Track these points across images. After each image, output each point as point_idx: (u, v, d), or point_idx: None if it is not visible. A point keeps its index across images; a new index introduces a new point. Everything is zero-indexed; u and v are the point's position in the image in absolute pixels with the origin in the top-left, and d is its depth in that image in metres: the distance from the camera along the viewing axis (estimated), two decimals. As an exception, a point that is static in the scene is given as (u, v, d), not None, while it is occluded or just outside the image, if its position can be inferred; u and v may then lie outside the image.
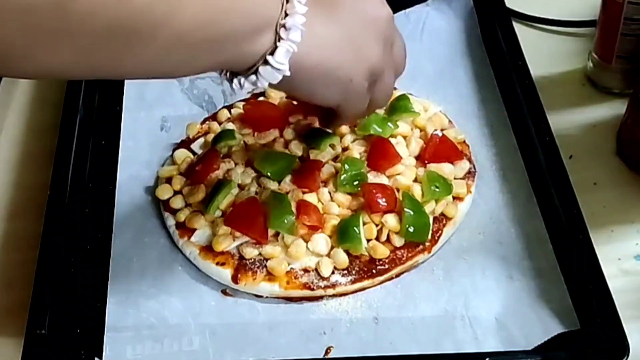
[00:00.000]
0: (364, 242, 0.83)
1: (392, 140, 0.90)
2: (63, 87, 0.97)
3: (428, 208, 0.85)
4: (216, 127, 0.94)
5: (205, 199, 0.86)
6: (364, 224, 0.83)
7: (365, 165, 0.88)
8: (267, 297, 0.82)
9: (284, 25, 0.65)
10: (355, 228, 0.83)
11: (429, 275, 0.84)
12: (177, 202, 0.87)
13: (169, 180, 0.90)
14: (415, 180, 0.88)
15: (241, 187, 0.88)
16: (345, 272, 0.83)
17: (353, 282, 0.82)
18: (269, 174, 0.88)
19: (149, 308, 0.81)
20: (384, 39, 0.74)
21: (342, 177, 0.86)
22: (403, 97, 0.94)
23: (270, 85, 0.68)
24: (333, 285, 0.82)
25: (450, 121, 0.95)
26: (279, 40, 0.65)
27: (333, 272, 0.82)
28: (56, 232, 0.84)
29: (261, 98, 0.98)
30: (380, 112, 0.93)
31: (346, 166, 0.87)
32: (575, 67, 1.06)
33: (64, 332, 0.78)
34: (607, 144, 0.96)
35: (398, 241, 0.83)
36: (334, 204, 0.86)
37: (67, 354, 0.77)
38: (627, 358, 0.73)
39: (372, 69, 0.74)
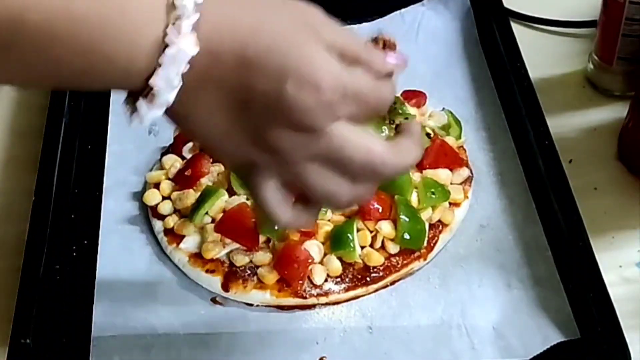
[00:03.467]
0: (358, 249, 0.82)
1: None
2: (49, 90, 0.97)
3: (425, 215, 0.84)
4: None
5: (194, 205, 0.85)
6: (358, 230, 0.83)
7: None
8: (258, 305, 0.81)
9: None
10: (349, 235, 0.82)
11: (425, 283, 0.83)
12: (166, 208, 0.87)
13: (157, 186, 0.89)
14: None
15: (231, 192, 0.86)
16: (339, 279, 0.82)
17: (346, 290, 0.81)
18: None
19: (136, 317, 0.80)
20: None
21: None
22: (396, 99, 0.92)
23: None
24: (326, 294, 0.81)
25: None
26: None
27: (326, 280, 0.82)
28: (41, 238, 0.83)
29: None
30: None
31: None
32: (575, 69, 1.05)
33: (49, 342, 0.78)
34: (608, 148, 0.96)
35: (393, 248, 0.83)
36: (327, 209, 0.84)
37: (52, 364, 0.77)
38: (628, 368, 0.73)
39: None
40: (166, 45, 0.53)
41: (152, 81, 0.54)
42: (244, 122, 0.56)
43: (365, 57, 0.59)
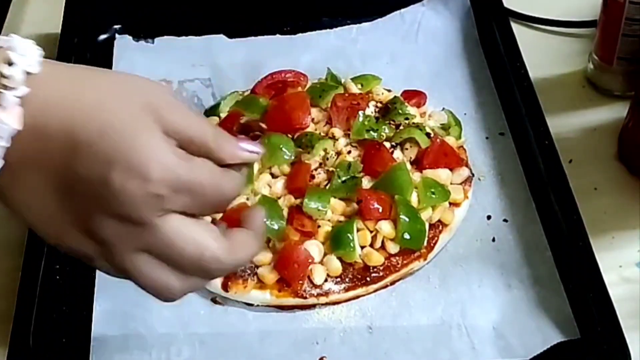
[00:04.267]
0: (358, 249, 0.82)
1: (387, 144, 0.88)
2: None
3: (425, 215, 0.84)
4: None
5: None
6: (358, 230, 0.82)
7: (360, 170, 0.86)
8: (258, 305, 0.81)
9: None
10: (349, 234, 0.81)
11: (425, 283, 0.83)
12: (166, 208, 0.86)
13: (157, 185, 0.88)
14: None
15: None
16: (339, 279, 0.82)
17: (346, 290, 0.81)
18: (260, 178, 0.87)
19: (136, 317, 0.80)
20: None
21: (336, 183, 0.85)
22: (396, 99, 0.93)
23: None
24: (326, 294, 0.81)
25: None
26: None
27: (326, 280, 0.81)
28: (41, 238, 0.81)
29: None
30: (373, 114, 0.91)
31: (340, 171, 0.86)
32: (575, 69, 1.05)
33: (49, 342, 0.78)
34: (607, 148, 0.95)
35: (393, 248, 0.82)
36: (327, 209, 0.84)
37: (52, 364, 0.76)
38: (628, 368, 0.73)
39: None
40: None
41: None
42: (69, 208, 0.53)
43: (213, 145, 0.56)
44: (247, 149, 0.58)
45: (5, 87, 0.50)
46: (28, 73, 0.51)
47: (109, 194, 0.52)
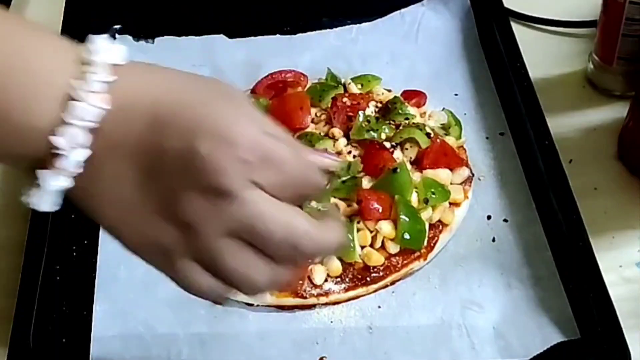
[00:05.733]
0: (358, 249, 0.82)
1: (387, 144, 0.88)
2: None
3: (425, 215, 0.84)
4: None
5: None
6: (358, 230, 0.82)
7: (360, 170, 0.86)
8: (258, 305, 0.81)
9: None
10: (348, 235, 0.81)
11: (425, 283, 0.83)
12: (166, 208, 0.85)
13: (157, 185, 0.88)
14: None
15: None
16: (339, 279, 0.82)
17: (346, 290, 0.81)
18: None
19: (136, 317, 0.80)
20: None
21: (336, 183, 0.84)
22: (396, 99, 0.93)
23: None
24: (326, 294, 0.81)
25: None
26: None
27: (326, 280, 0.81)
28: (41, 238, 0.83)
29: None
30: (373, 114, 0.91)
31: (340, 171, 0.85)
32: (575, 69, 1.05)
33: (49, 342, 0.77)
34: (608, 148, 0.95)
35: (393, 248, 0.82)
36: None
37: (52, 364, 0.76)
38: (628, 368, 0.73)
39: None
40: (72, 100, 0.51)
41: (54, 139, 0.50)
42: (153, 191, 0.53)
43: (290, 139, 0.56)
44: (321, 155, 0.60)
45: (90, 73, 0.51)
46: (113, 64, 0.52)
47: (196, 163, 0.51)
